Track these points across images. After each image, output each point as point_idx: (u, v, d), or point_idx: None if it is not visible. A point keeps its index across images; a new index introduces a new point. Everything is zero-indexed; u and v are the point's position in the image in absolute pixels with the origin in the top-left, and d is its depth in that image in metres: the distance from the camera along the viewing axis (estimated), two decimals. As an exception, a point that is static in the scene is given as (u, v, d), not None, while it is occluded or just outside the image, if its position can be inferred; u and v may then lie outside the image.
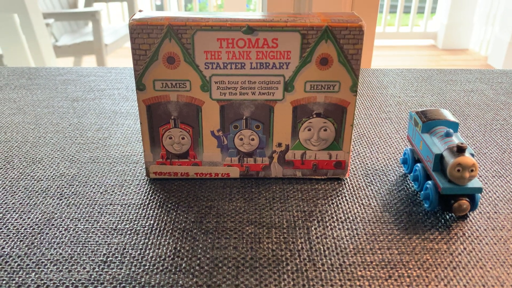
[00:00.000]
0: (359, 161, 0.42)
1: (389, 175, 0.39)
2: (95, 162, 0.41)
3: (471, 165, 0.31)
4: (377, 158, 0.42)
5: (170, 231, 0.32)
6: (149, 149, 0.37)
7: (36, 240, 0.31)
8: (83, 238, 0.31)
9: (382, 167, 0.41)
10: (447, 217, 0.34)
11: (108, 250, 0.30)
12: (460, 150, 0.32)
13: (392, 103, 0.54)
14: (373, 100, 0.55)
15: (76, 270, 0.29)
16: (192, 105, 0.35)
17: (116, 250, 0.30)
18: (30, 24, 1.69)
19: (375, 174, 0.40)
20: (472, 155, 0.33)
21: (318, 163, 0.38)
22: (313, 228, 0.33)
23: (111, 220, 0.33)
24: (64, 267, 0.29)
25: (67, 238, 0.31)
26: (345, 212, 0.35)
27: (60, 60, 2.44)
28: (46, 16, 2.48)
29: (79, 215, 0.34)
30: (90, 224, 0.33)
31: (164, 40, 0.33)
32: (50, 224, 0.33)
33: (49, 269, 0.29)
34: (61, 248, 0.30)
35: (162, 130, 0.36)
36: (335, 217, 0.34)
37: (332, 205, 0.35)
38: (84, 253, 0.30)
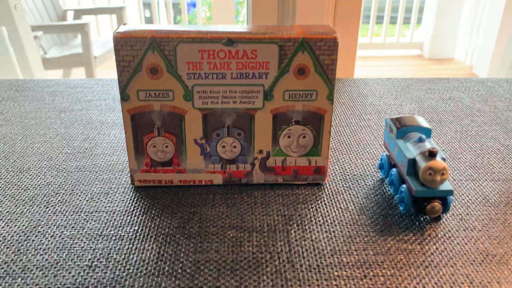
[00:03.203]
0: (338, 167, 0.43)
1: (366, 180, 0.41)
2: (81, 170, 0.42)
3: (442, 168, 0.33)
4: (356, 164, 0.44)
5: (154, 236, 0.33)
6: (133, 157, 0.38)
7: (22, 247, 0.32)
8: (69, 244, 0.32)
9: (360, 172, 0.42)
10: (421, 219, 0.36)
11: (93, 255, 0.31)
12: (432, 154, 0.34)
13: (372, 111, 0.56)
14: (353, 109, 0.56)
15: (62, 275, 0.30)
16: (175, 114, 0.36)
17: (101, 255, 0.31)
18: (18, 37, 1.70)
19: (353, 180, 0.41)
20: (444, 159, 0.35)
21: (298, 169, 0.39)
22: (292, 231, 0.34)
23: (96, 227, 0.34)
24: (50, 272, 0.30)
25: (53, 244, 0.32)
26: (323, 215, 0.36)
27: (49, 73, 2.44)
28: (35, 28, 2.49)
29: (65, 222, 0.35)
30: (76, 230, 0.34)
31: (148, 52, 0.34)
32: (37, 231, 0.34)
33: (35, 275, 0.30)
34: (47, 254, 0.31)
35: (146, 139, 0.37)
36: (314, 221, 0.35)
37: (311, 209, 0.37)
38: (70, 258, 0.31)
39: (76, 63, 2.36)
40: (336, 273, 0.30)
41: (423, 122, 0.38)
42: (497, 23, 2.74)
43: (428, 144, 0.36)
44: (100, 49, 2.47)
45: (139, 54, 0.34)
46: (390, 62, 3.23)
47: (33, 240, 0.33)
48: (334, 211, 0.36)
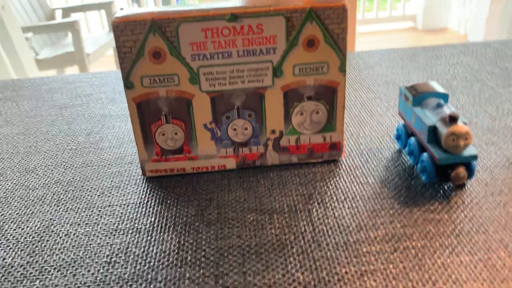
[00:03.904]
0: (353, 141, 0.42)
1: (384, 152, 0.40)
2: (89, 166, 0.40)
3: (465, 133, 0.32)
4: (371, 137, 0.42)
5: (172, 226, 0.32)
6: (142, 147, 0.37)
7: (37, 248, 0.31)
8: (85, 241, 0.31)
9: (376, 145, 0.41)
10: (446, 187, 0.34)
11: (111, 251, 0.30)
12: (453, 119, 0.32)
13: (380, 82, 0.54)
14: (361, 81, 0.55)
15: (81, 273, 0.28)
16: (182, 99, 0.35)
17: (119, 250, 0.30)
18: (10, 40, 1.67)
19: (370, 153, 0.40)
20: (465, 123, 0.33)
21: (313, 147, 0.38)
22: (314, 210, 0.33)
23: (111, 221, 0.33)
24: (69, 272, 0.29)
25: (68, 243, 0.31)
26: (344, 191, 0.35)
27: (42, 74, 2.42)
28: (25, 30, 2.45)
29: (79, 220, 0.33)
30: (91, 227, 0.33)
31: (149, 35, 0.33)
32: (50, 231, 0.32)
33: (54, 275, 0.28)
34: (64, 254, 0.30)
35: (154, 127, 0.36)
36: (334, 198, 0.34)
37: (330, 187, 0.35)
38: (87, 256, 0.30)
39: (69, 62, 2.34)
40: (365, 249, 0.29)
41: (438, 87, 0.37)
42: (490, -12, 2.70)
43: (447, 109, 0.34)
44: (92, 46, 2.44)
45: (140, 38, 0.33)
46: (384, 37, 3.20)
47: (47, 241, 0.31)
48: (354, 186, 0.35)
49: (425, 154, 0.34)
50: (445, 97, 0.36)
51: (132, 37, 0.33)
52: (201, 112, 0.36)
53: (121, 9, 0.34)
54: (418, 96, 0.36)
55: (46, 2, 2.79)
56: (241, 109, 0.36)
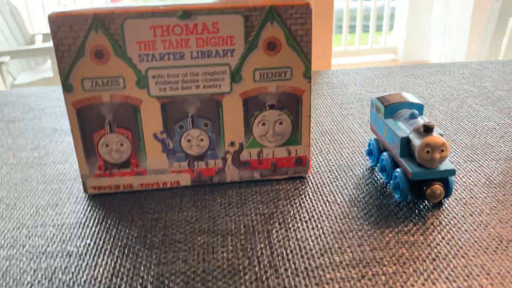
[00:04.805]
0: (322, 158, 0.38)
1: (355, 169, 0.36)
2: (27, 182, 0.36)
3: (441, 144, 0.28)
4: (341, 154, 0.39)
5: (109, 249, 0.28)
6: (84, 160, 0.32)
7: None
8: (5, 266, 0.27)
9: (346, 162, 0.37)
10: (421, 206, 0.31)
11: (33, 278, 0.26)
12: (428, 129, 0.29)
13: (354, 100, 0.51)
14: (334, 98, 0.52)
15: (-8, 304, 0.24)
16: (129, 105, 0.31)
17: (43, 277, 0.26)
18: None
19: (340, 170, 0.36)
20: (441, 135, 0.30)
21: (277, 161, 0.34)
22: (274, 231, 0.29)
23: (39, 243, 0.29)
24: (-22, 302, 0.24)
25: (-15, 268, 0.27)
26: (309, 211, 0.31)
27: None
28: (1, 54, 2.41)
29: (3, 241, 0.29)
30: (15, 250, 0.28)
31: (90, 32, 0.29)
32: (-34, 254, 0.28)
33: (-41, 306, 0.24)
34: (-24, 280, 0.26)
35: (96, 137, 0.32)
36: (298, 218, 0.30)
37: (294, 205, 0.32)
38: (5, 283, 0.25)
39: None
40: (328, 275, 0.25)
41: (412, 98, 0.34)
42: (468, 24, 2.76)
43: (421, 120, 0.31)
44: (71, 71, 2.39)
45: (80, 35, 0.29)
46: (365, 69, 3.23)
47: (-39, 265, 0.27)
48: (321, 205, 0.31)
49: (398, 170, 0.31)
50: (419, 107, 0.33)
51: (71, 33, 0.29)
52: (151, 120, 0.32)
53: (64, 5, 0.31)
54: (390, 106, 0.33)
55: (26, 28, 2.76)
56: (196, 118, 0.32)
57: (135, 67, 0.30)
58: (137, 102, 0.31)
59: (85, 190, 0.33)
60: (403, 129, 0.31)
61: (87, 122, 0.31)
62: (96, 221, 0.31)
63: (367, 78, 0.58)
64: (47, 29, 3.08)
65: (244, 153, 0.34)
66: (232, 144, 0.33)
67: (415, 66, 0.62)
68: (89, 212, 0.32)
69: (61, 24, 0.29)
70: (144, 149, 0.33)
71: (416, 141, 0.29)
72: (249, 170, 0.34)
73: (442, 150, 0.29)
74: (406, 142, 0.30)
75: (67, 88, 0.30)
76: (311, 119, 0.45)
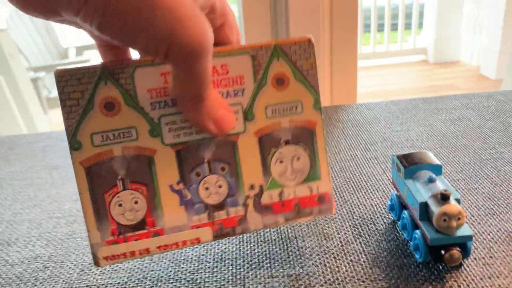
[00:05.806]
0: (346, 209, 0.40)
1: (377, 223, 0.38)
2: (72, 237, 0.39)
3: (457, 213, 0.30)
4: (365, 205, 0.40)
5: (149, 312, 0.30)
6: (95, 226, 0.30)
7: (7, 337, 0.29)
8: (57, 329, 0.30)
9: (370, 215, 0.39)
10: (440, 267, 0.32)
11: None
12: (444, 197, 0.30)
13: (378, 140, 0.53)
14: (358, 138, 0.53)
15: None
16: (142, 157, 0.31)
17: None
18: (16, 86, 1.70)
19: (364, 224, 0.38)
20: (458, 200, 0.31)
21: (299, 202, 0.34)
22: (299, 295, 0.31)
23: (86, 306, 0.31)
24: None
25: (40, 331, 0.30)
26: (333, 272, 0.33)
27: (53, 111, 2.45)
28: (37, 69, 2.50)
29: (54, 303, 0.32)
30: (65, 312, 0.31)
31: (99, 83, 0.29)
32: (23, 316, 0.31)
33: None
34: None
35: (108, 197, 0.31)
36: (323, 280, 0.32)
37: (319, 265, 0.33)
38: None
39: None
40: None
41: (432, 158, 0.35)
42: (500, 21, 2.70)
43: (439, 184, 0.32)
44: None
45: (88, 88, 0.29)
46: (396, 70, 3.20)
47: (18, 328, 0.30)
48: (345, 266, 0.33)
49: (417, 232, 0.32)
50: (438, 169, 0.35)
51: (79, 87, 0.29)
52: (166, 171, 0.31)
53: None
54: (409, 168, 0.35)
55: (59, 42, 2.86)
56: (212, 162, 0.32)
57: (148, 115, 0.30)
58: (151, 153, 0.31)
59: (96, 263, 0.30)
60: (422, 193, 0.33)
61: (97, 181, 0.30)
62: (136, 282, 0.33)
63: (392, 114, 0.60)
64: (79, 43, 3.18)
65: (265, 196, 0.33)
66: (252, 187, 0.33)
67: (439, 99, 0.63)
68: (129, 272, 0.34)
69: (68, 78, 0.29)
70: (160, 204, 0.31)
71: (434, 208, 0.31)
72: (272, 216, 0.34)
73: (459, 218, 0.30)
74: (424, 207, 0.32)
75: (75, 146, 0.30)
76: (336, 162, 0.47)
